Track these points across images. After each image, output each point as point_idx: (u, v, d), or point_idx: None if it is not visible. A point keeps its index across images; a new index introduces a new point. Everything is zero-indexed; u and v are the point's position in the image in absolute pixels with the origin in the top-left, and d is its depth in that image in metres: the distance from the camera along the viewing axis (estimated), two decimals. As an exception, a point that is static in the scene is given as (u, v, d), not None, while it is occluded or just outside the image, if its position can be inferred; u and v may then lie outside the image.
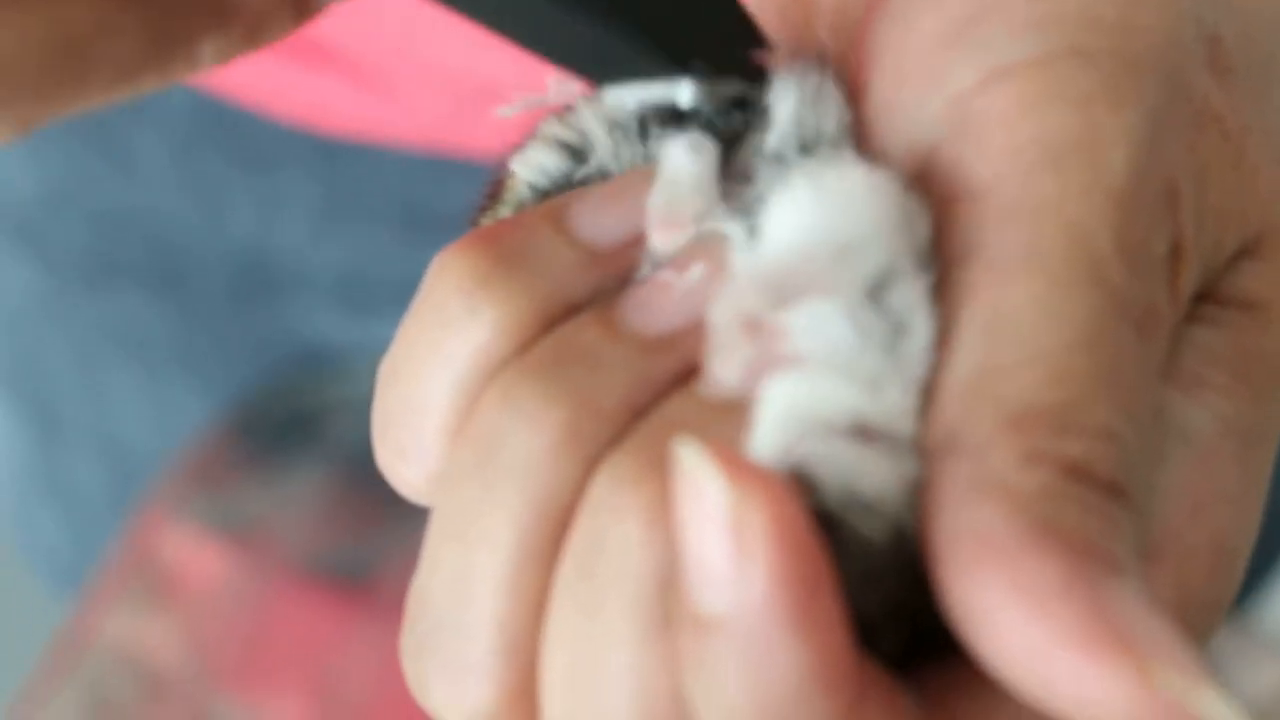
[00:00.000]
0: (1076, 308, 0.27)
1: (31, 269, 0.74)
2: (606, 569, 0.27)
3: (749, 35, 0.30)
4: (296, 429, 0.74)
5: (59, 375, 0.77)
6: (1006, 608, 0.25)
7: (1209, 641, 0.28)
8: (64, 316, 0.75)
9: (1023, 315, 0.27)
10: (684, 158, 0.29)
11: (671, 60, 0.29)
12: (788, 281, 0.28)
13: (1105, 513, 0.26)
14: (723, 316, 0.28)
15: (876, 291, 0.27)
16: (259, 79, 0.65)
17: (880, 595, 0.27)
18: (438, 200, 0.68)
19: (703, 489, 0.25)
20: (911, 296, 0.27)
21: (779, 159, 0.29)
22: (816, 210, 0.28)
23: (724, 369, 0.28)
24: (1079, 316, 0.27)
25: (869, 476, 0.27)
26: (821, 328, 0.27)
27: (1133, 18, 0.29)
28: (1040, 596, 0.25)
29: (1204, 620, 0.28)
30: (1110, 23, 0.29)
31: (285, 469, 0.73)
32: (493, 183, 0.31)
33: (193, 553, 0.71)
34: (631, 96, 0.30)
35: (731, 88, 0.30)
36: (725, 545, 0.25)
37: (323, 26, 0.63)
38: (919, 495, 0.27)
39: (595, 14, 0.29)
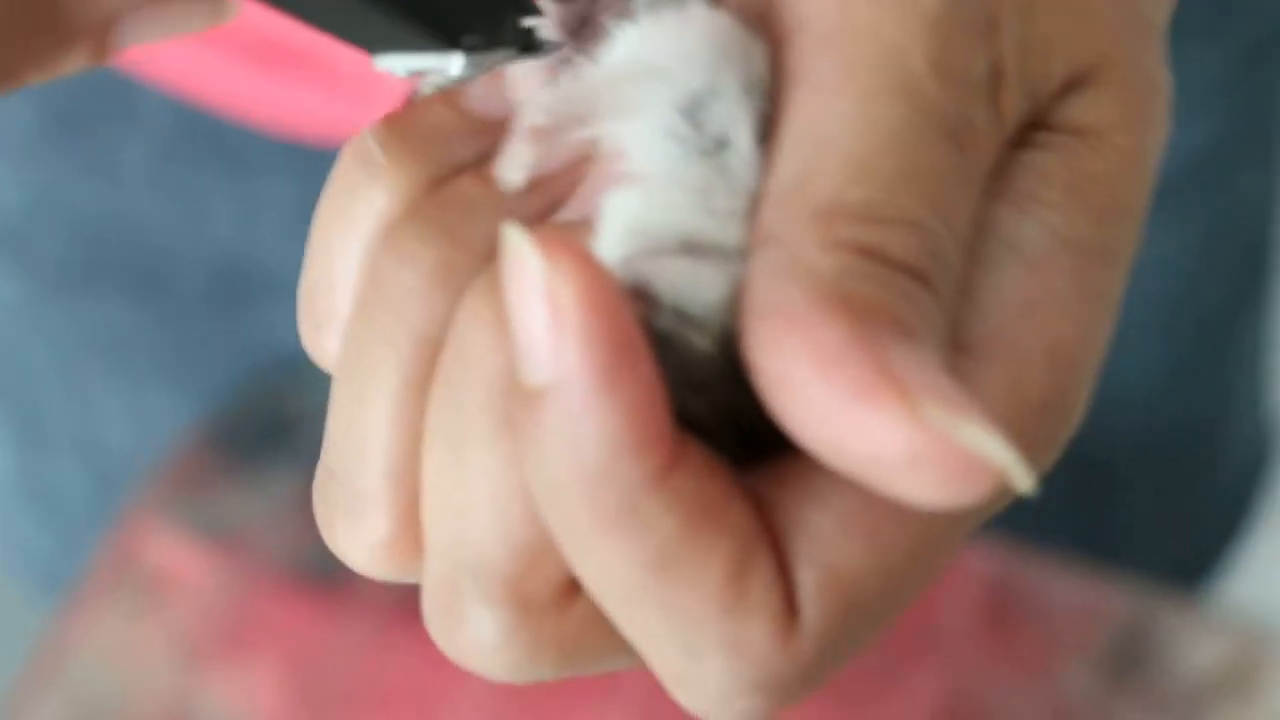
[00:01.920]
0: (886, 115, 0.28)
1: (13, 276, 0.74)
2: (464, 375, 0.29)
3: (521, 3, 0.32)
4: (276, 433, 0.74)
5: (40, 381, 0.77)
6: (797, 370, 0.26)
7: (1056, 446, 0.29)
8: (45, 323, 0.75)
9: (836, 125, 0.28)
10: (553, 29, 0.31)
11: (441, 37, 0.31)
12: (603, 99, 0.30)
13: (900, 289, 0.27)
14: (518, 125, 0.30)
15: (694, 110, 0.29)
16: (237, 86, 0.65)
17: (710, 401, 0.28)
18: None
19: (524, 266, 0.27)
20: (733, 115, 0.29)
21: (634, 17, 0.31)
22: (640, 39, 0.30)
23: (506, 168, 0.30)
24: (889, 123, 0.28)
25: (697, 288, 0.28)
26: (639, 142, 0.29)
27: None
28: (825, 354, 0.26)
29: (1045, 424, 0.29)
30: None
31: (265, 472, 0.73)
32: (409, 90, 0.33)
33: (175, 556, 0.71)
34: (403, 65, 0.32)
35: (501, 57, 0.32)
36: (543, 316, 0.26)
37: (298, 33, 0.63)
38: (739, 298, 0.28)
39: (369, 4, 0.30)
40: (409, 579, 0.31)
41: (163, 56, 0.65)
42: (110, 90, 0.68)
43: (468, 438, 0.29)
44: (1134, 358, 0.75)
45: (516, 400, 0.27)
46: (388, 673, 0.70)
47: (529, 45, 0.32)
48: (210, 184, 0.70)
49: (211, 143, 0.69)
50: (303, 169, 0.69)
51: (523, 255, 0.27)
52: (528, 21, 0.32)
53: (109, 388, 0.76)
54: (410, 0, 0.31)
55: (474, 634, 0.29)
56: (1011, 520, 0.75)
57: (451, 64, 0.32)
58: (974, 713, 0.66)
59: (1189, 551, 0.84)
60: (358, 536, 0.30)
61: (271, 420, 0.74)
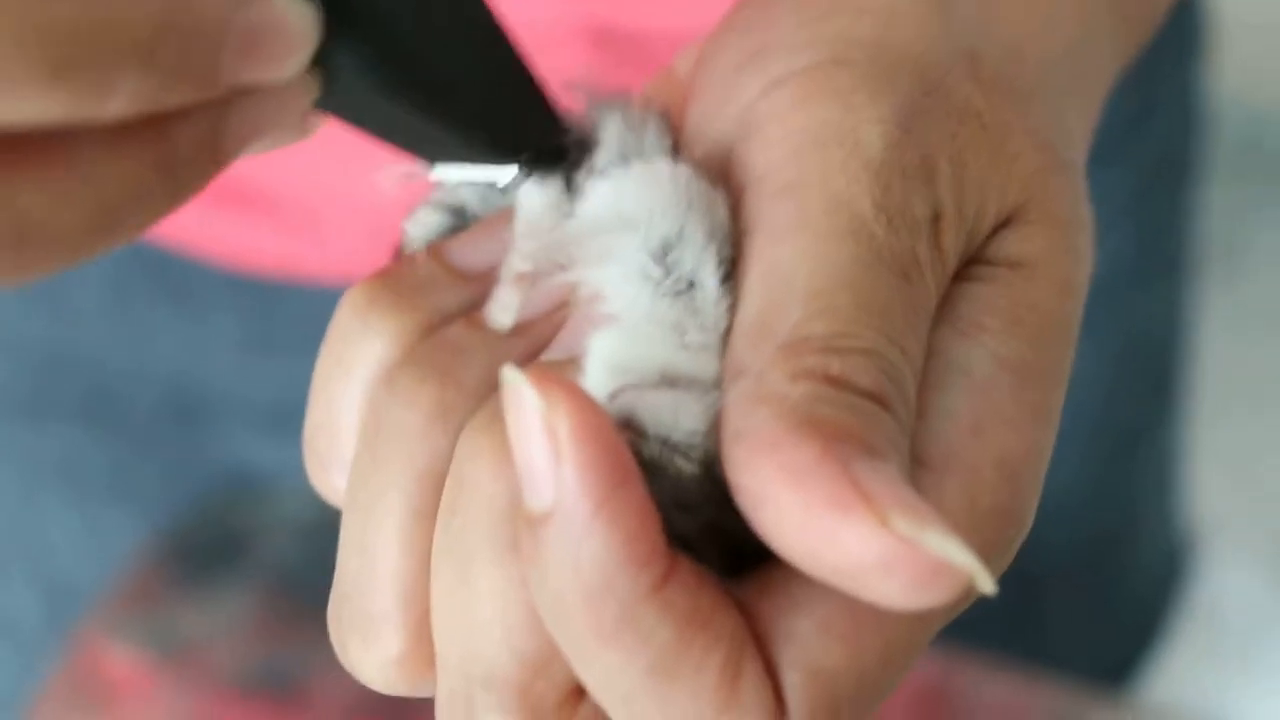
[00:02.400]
0: (840, 256, 0.30)
1: None
2: (467, 504, 0.30)
3: (550, 112, 0.34)
4: (226, 550, 0.75)
5: None
6: (775, 488, 0.28)
7: (1010, 548, 0.31)
8: (-4, 452, 0.76)
9: (795, 265, 0.30)
10: (532, 189, 0.34)
11: (492, 148, 0.34)
12: (580, 247, 0.32)
13: (863, 412, 0.29)
14: (505, 272, 0.33)
15: (664, 255, 0.31)
16: (184, 221, 0.66)
17: (696, 519, 0.30)
18: None
19: (523, 403, 0.29)
20: (699, 258, 0.31)
21: (604, 172, 0.33)
22: (610, 193, 0.33)
23: (496, 312, 0.33)
24: (842, 263, 0.30)
25: (678, 417, 0.30)
26: (616, 286, 0.32)
27: (887, 35, 0.33)
28: (799, 473, 0.28)
29: (996, 529, 0.31)
30: (867, 39, 0.33)
31: (216, 588, 0.74)
32: (395, 245, 0.35)
33: (128, 673, 0.72)
34: (459, 174, 0.34)
35: (549, 169, 0.34)
36: (543, 447, 0.28)
37: (245, 170, 0.64)
38: (718, 425, 0.30)
39: (432, 114, 0.33)
40: (420, 693, 0.33)
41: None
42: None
43: (474, 560, 0.30)
44: (1054, 470, 0.75)
45: (520, 525, 0.29)
46: (339, 784, 0.71)
47: (561, 154, 0.34)
48: (158, 315, 0.71)
49: (159, 277, 0.70)
50: (247, 300, 0.70)
51: (522, 393, 0.29)
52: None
53: (62, 511, 0.76)
54: (477, 123, 0.33)
55: None
56: (942, 631, 0.76)
57: (503, 176, 0.34)
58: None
59: (1109, 654, 0.85)
60: (371, 654, 0.32)
61: (222, 537, 0.75)
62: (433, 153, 0.34)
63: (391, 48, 0.31)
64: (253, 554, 0.75)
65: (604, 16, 0.55)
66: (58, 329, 0.72)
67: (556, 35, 0.56)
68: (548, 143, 0.34)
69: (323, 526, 0.73)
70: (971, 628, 0.75)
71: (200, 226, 0.67)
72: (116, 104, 0.28)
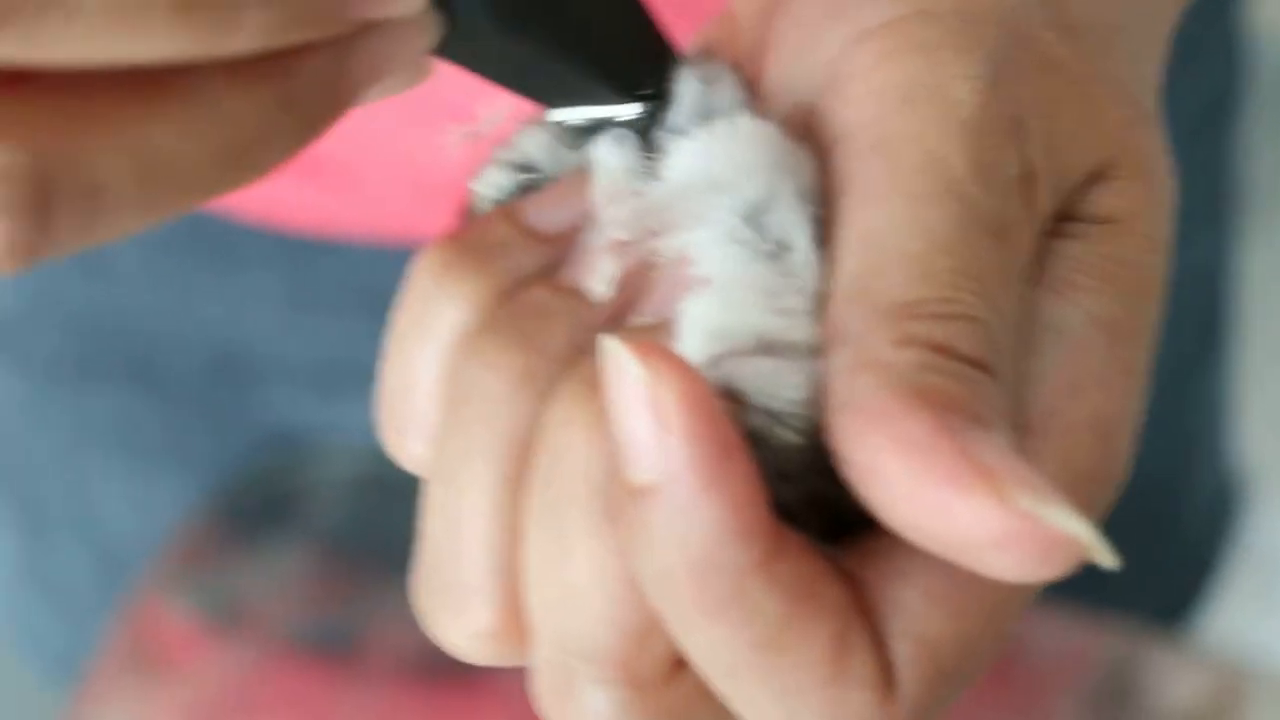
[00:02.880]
0: (936, 218, 0.30)
1: (12, 373, 0.75)
2: (561, 474, 0.30)
3: (666, 51, 0.34)
4: (277, 509, 0.74)
5: (42, 472, 0.77)
6: (886, 460, 0.28)
7: (1103, 507, 0.31)
8: (46, 417, 0.75)
9: (891, 228, 0.30)
10: (610, 148, 0.33)
11: (613, 86, 0.33)
12: (671, 211, 0.32)
13: (970, 380, 0.29)
14: (596, 239, 0.32)
15: (755, 218, 0.31)
16: None
17: (800, 489, 0.30)
18: (401, 288, 0.68)
19: (625, 374, 0.28)
20: (791, 220, 0.31)
21: (684, 131, 0.33)
22: (696, 154, 0.32)
23: (593, 280, 0.32)
24: (939, 225, 0.30)
25: (779, 386, 0.30)
26: (708, 249, 0.31)
27: None
28: (912, 446, 0.28)
29: (1094, 492, 0.30)
30: (954, 6, 0.32)
31: (268, 547, 0.74)
32: (460, 204, 0.35)
33: (183, 635, 0.72)
34: (579, 115, 0.34)
35: (664, 106, 0.33)
36: (647, 420, 0.28)
37: None
38: (820, 393, 0.29)
39: (554, 53, 0.32)
40: (512, 663, 0.32)
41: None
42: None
43: (570, 532, 0.30)
44: None
45: (621, 497, 0.29)
46: (394, 740, 0.71)
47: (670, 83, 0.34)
48: (201, 276, 0.71)
49: (200, 237, 0.70)
50: (289, 260, 0.70)
51: (622, 364, 0.28)
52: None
53: (110, 475, 0.76)
54: (599, 58, 0.33)
55: (588, 711, 0.30)
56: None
57: (626, 112, 0.34)
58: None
59: (1163, 594, 0.84)
60: (462, 627, 0.32)
61: (272, 496, 0.75)
62: (551, 94, 0.34)
63: None
64: (303, 512, 0.74)
65: None
66: (103, 294, 0.72)
67: None
68: (666, 78, 0.33)
69: (372, 483, 0.72)
70: None
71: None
72: (242, 38, 0.28)
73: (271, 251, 0.70)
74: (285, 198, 0.66)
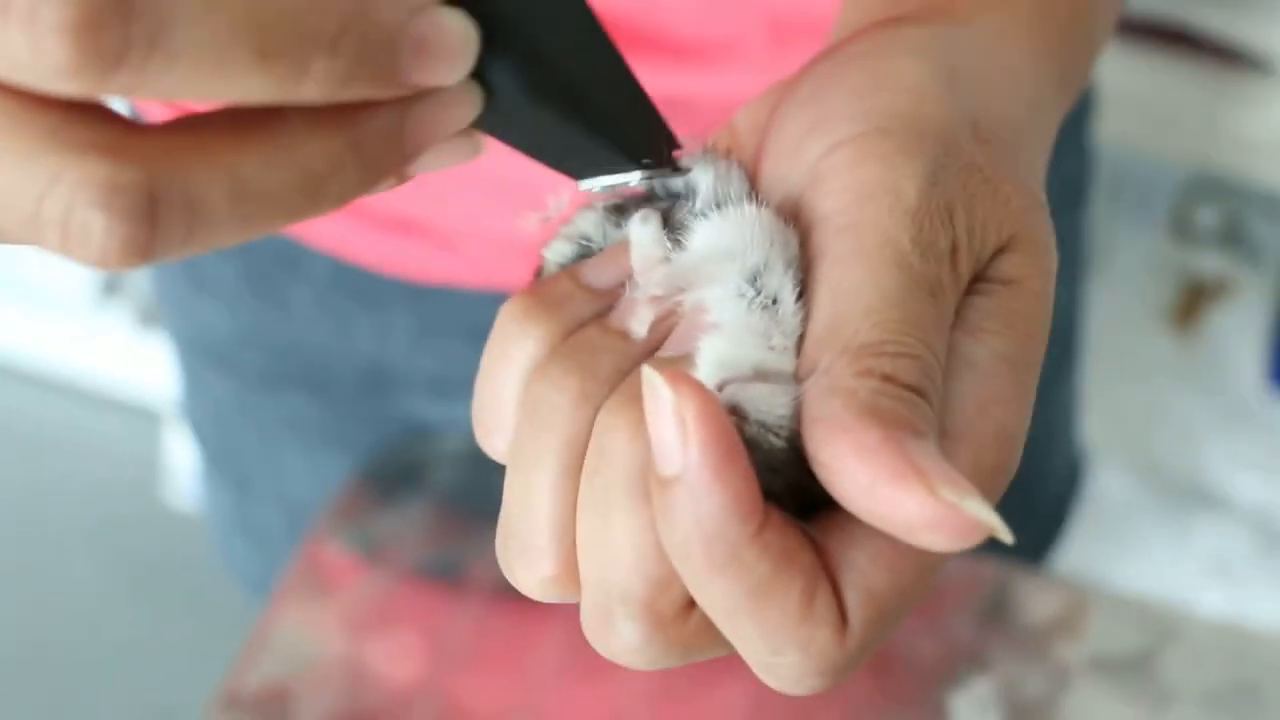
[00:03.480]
0: (888, 282, 0.29)
1: (226, 380, 0.74)
2: (608, 465, 0.29)
3: (669, 137, 0.32)
4: (406, 477, 0.74)
5: (247, 451, 0.76)
6: (847, 461, 0.27)
7: (1000, 494, 0.30)
8: (249, 412, 0.75)
9: (854, 288, 0.29)
10: (640, 225, 0.32)
11: (623, 156, 0.31)
12: (693, 274, 0.31)
13: (910, 403, 0.28)
14: (640, 294, 0.31)
15: (755, 279, 0.30)
16: (373, 246, 0.65)
17: (783, 480, 0.29)
18: (492, 325, 0.67)
19: (658, 394, 0.28)
20: (781, 281, 0.30)
21: (703, 214, 0.32)
22: (713, 231, 0.31)
23: (634, 324, 0.31)
24: (890, 287, 0.29)
25: (770, 405, 0.29)
26: (720, 301, 0.30)
27: (917, 110, 0.31)
28: (867, 451, 0.27)
29: (997, 484, 0.29)
30: (903, 112, 0.31)
31: (399, 505, 0.73)
32: (534, 266, 0.34)
33: (341, 566, 0.71)
34: (599, 184, 0.32)
35: (663, 173, 0.32)
36: (674, 428, 0.27)
37: (410, 208, 0.63)
38: (799, 409, 0.29)
39: (577, 126, 0.30)
40: (566, 600, 0.31)
41: (318, 226, 0.65)
42: (284, 251, 0.68)
43: (613, 508, 0.29)
44: None
45: (652, 484, 0.28)
46: (489, 639, 0.69)
47: (674, 164, 0.32)
48: (355, 315, 0.70)
49: (355, 286, 0.69)
50: (416, 301, 0.69)
51: (658, 387, 0.28)
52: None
53: (293, 453, 0.75)
54: (610, 127, 0.31)
55: (623, 639, 0.30)
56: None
57: (633, 178, 0.32)
58: (891, 650, 0.66)
59: (1032, 538, 0.83)
60: (531, 575, 0.31)
61: (403, 468, 0.74)
62: (572, 163, 0.32)
63: (536, 58, 0.29)
64: (425, 479, 0.74)
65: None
66: (284, 325, 0.71)
67: None
68: (664, 149, 0.32)
69: (474, 458, 0.72)
70: None
71: (381, 249, 0.65)
72: (310, 86, 0.25)
73: (403, 295, 0.69)
74: (410, 257, 0.65)
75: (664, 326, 0.31)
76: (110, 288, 1.50)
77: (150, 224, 0.25)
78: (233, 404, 0.75)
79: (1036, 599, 0.67)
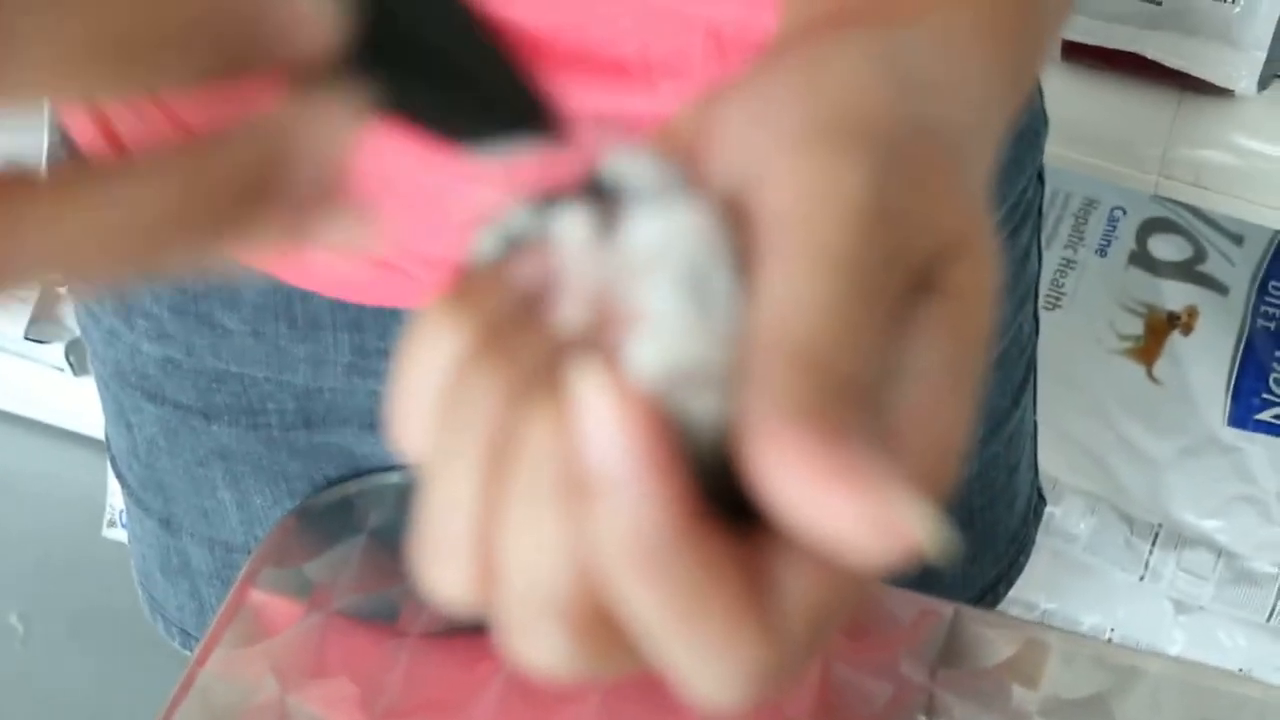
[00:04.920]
0: (828, 283, 0.28)
1: (153, 411, 0.72)
2: (532, 465, 0.28)
3: (536, 94, 0.30)
4: (341, 516, 0.72)
5: (177, 485, 0.75)
6: (782, 467, 0.27)
7: (942, 499, 0.29)
8: (179, 443, 0.73)
9: (793, 292, 0.28)
10: (569, 220, 0.30)
11: (504, 128, 0.30)
12: (628, 268, 0.29)
13: (845, 406, 0.27)
14: (568, 286, 0.30)
15: (694, 277, 0.29)
16: (305, 265, 0.64)
17: (713, 484, 0.28)
18: None
19: (589, 391, 0.27)
20: (721, 281, 0.29)
21: (640, 208, 0.30)
22: (651, 225, 0.30)
23: (562, 317, 0.30)
24: (827, 290, 0.28)
25: (705, 407, 0.28)
26: (656, 298, 0.29)
27: (862, 108, 0.30)
28: (798, 452, 0.26)
29: (935, 489, 0.29)
30: (849, 113, 0.30)
31: (336, 547, 0.72)
32: (461, 264, 0.32)
33: (274, 607, 0.70)
34: (494, 154, 0.30)
35: (557, 143, 0.30)
36: (605, 425, 0.27)
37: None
38: (731, 413, 0.28)
39: (453, 98, 0.29)
40: (483, 608, 0.30)
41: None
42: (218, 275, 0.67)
43: (538, 509, 0.28)
44: None
45: (585, 482, 0.27)
46: (427, 683, 0.68)
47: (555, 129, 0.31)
48: (292, 342, 0.69)
49: (290, 310, 0.68)
50: (356, 329, 0.67)
51: (588, 384, 0.27)
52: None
53: (223, 489, 0.74)
54: (487, 101, 0.29)
55: (545, 646, 0.29)
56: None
57: (521, 148, 0.30)
58: (841, 692, 0.65)
59: (991, 569, 0.83)
60: (446, 577, 0.29)
61: (338, 507, 0.73)
62: (457, 135, 0.30)
63: (413, 48, 0.27)
64: (360, 520, 0.73)
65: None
66: (218, 354, 0.70)
67: None
68: (542, 116, 0.30)
69: (410, 493, 0.70)
70: None
71: (320, 271, 0.64)
72: (168, 81, 0.24)
73: (340, 320, 0.67)
74: (349, 276, 0.64)
75: (595, 322, 0.30)
76: (37, 325, 1.47)
77: None
78: (160, 437, 0.73)
79: (992, 640, 0.66)
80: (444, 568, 0.29)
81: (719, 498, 0.28)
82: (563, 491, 0.28)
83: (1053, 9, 0.39)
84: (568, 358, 0.29)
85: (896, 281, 0.29)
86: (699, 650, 0.27)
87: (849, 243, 0.28)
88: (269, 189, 0.26)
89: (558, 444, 0.28)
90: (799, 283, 0.28)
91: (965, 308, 0.30)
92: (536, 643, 0.28)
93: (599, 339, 0.30)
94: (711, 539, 0.27)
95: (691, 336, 0.28)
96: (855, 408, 0.27)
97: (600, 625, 0.28)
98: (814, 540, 0.27)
